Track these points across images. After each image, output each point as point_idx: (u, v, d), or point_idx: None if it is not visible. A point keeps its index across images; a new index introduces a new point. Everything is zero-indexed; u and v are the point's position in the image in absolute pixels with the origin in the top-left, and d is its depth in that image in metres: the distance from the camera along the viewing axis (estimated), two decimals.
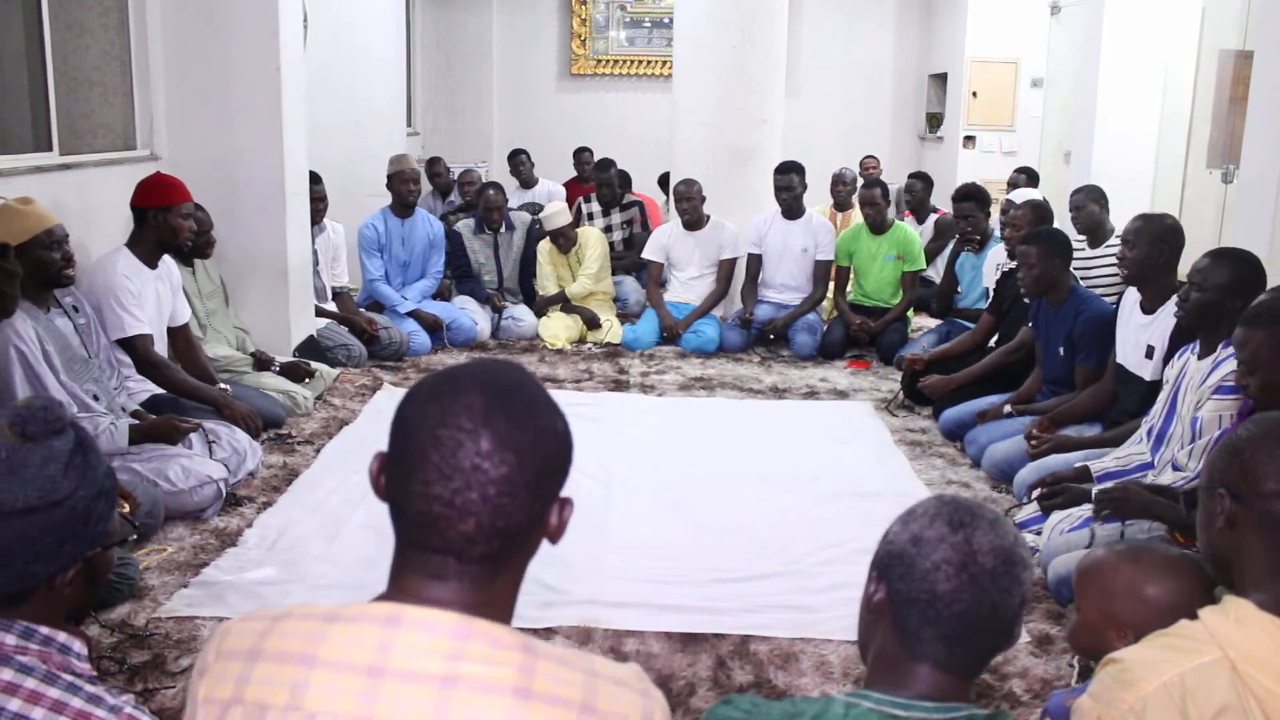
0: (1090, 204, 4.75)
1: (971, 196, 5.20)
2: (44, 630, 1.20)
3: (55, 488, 1.18)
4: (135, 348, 3.58)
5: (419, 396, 0.95)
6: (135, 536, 2.67)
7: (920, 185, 6.90)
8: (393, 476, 0.94)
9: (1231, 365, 2.50)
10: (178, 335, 3.86)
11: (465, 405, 0.92)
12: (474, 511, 0.90)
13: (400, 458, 0.93)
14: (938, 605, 1.11)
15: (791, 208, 5.74)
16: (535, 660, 0.89)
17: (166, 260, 3.83)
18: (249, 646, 0.92)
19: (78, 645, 1.22)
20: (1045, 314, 3.91)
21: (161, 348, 3.75)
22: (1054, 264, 3.78)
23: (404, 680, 0.86)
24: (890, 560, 1.17)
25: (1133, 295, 3.47)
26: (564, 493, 0.99)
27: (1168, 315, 3.26)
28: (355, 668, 0.87)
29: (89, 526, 1.22)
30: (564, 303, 5.98)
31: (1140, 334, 3.39)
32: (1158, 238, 3.29)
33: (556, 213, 6.02)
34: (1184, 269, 3.27)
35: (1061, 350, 3.81)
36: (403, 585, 0.95)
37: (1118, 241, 4.72)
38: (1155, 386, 3.25)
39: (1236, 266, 2.81)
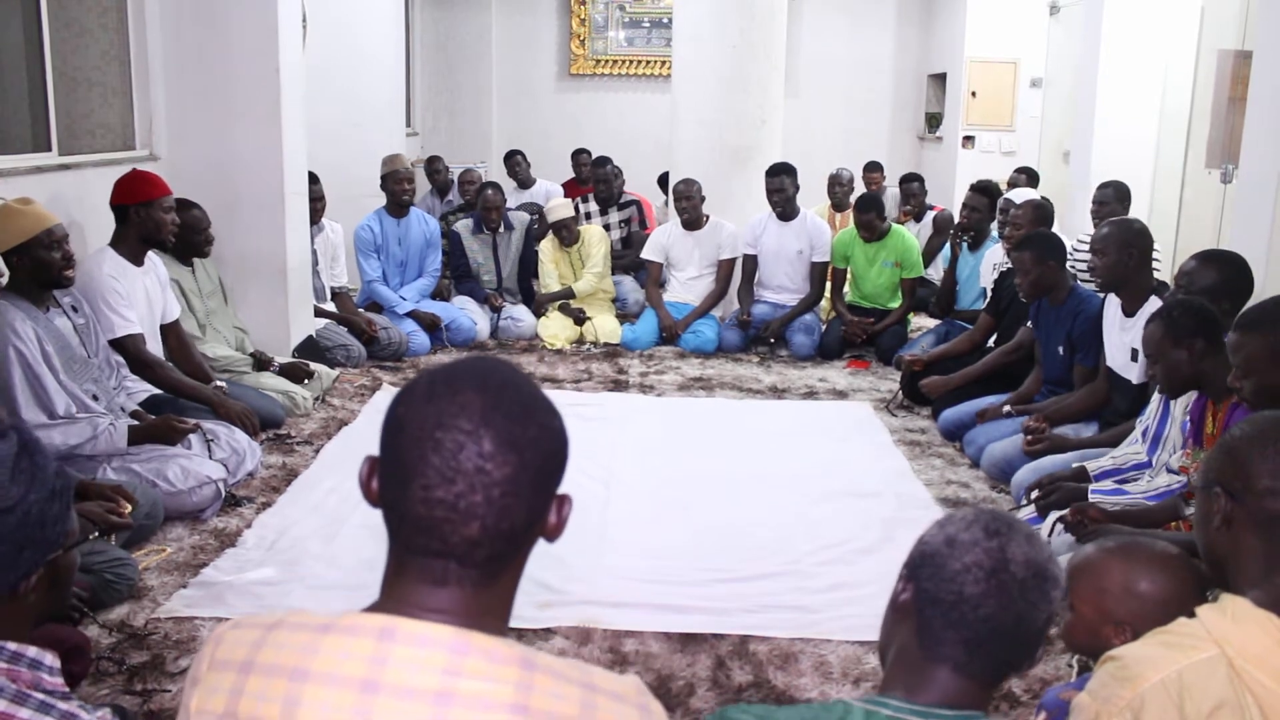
0: (1115, 203, 4.81)
1: (986, 192, 5.25)
2: (12, 647, 1.14)
3: (4, 494, 1.13)
4: (126, 348, 3.56)
5: (413, 397, 0.93)
6: (97, 535, 2.63)
7: (918, 186, 6.90)
8: (388, 481, 0.92)
9: None
10: (169, 332, 3.85)
11: (463, 405, 0.90)
12: (478, 515, 0.89)
13: (397, 461, 0.91)
14: (963, 607, 1.11)
15: (784, 209, 5.73)
16: (533, 676, 0.88)
17: (152, 256, 3.81)
18: (242, 658, 0.90)
19: (48, 659, 1.16)
20: (1046, 313, 3.93)
21: (155, 345, 3.74)
22: (1048, 267, 3.82)
23: (398, 696, 0.85)
24: (922, 560, 1.17)
25: (1115, 300, 3.49)
26: (561, 491, 0.98)
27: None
28: (349, 682, 0.86)
29: (46, 530, 1.18)
30: (570, 298, 5.98)
31: (1123, 337, 3.42)
32: (1125, 243, 3.33)
33: (559, 205, 6.04)
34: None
35: (1061, 350, 3.83)
36: (399, 593, 0.93)
37: None
38: (1144, 388, 3.27)
39: (1223, 269, 2.82)
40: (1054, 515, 2.88)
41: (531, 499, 0.92)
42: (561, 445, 0.96)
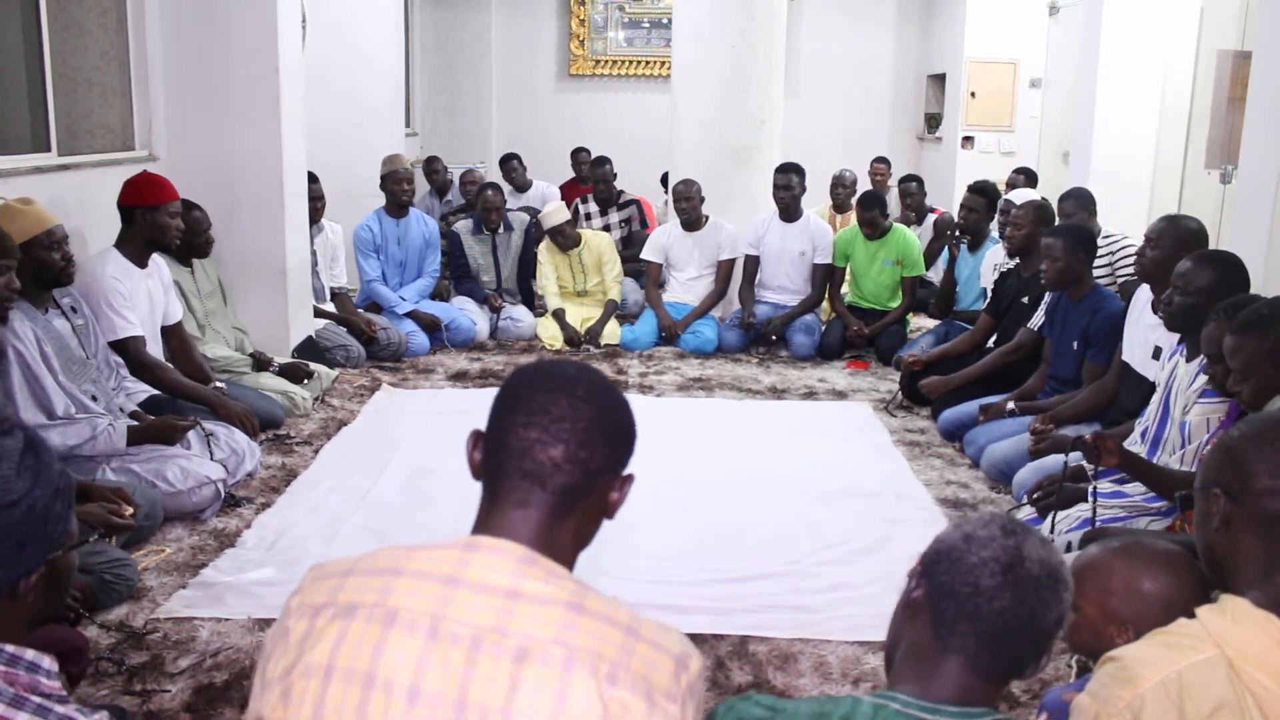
0: (1080, 212, 4.75)
1: (984, 193, 5.24)
2: (9, 649, 1.14)
3: (9, 488, 1.14)
4: (127, 350, 3.56)
5: (521, 372, 1.19)
6: (97, 538, 2.62)
7: (916, 187, 6.90)
8: (496, 424, 1.15)
9: None
10: (171, 334, 3.85)
11: (561, 369, 1.18)
12: (564, 439, 1.11)
13: (506, 405, 1.15)
14: (978, 599, 1.14)
15: (789, 208, 5.74)
16: (587, 591, 1.08)
17: (156, 259, 3.81)
18: (345, 568, 1.11)
19: (46, 662, 1.16)
20: (1064, 308, 3.92)
21: (156, 347, 3.75)
22: (1078, 258, 3.80)
23: (475, 590, 1.05)
24: (938, 556, 1.20)
25: (1144, 294, 3.47)
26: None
27: None
28: (435, 577, 1.06)
29: (48, 527, 1.18)
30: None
31: (1149, 334, 3.38)
32: (1181, 241, 3.26)
33: (553, 211, 6.02)
34: None
35: (1075, 345, 3.83)
36: (487, 520, 1.14)
37: (1104, 241, 4.73)
38: (1155, 387, 3.26)
39: (1218, 269, 2.81)
40: (1054, 515, 2.89)
41: (606, 448, 1.14)
42: (631, 424, 1.19)
